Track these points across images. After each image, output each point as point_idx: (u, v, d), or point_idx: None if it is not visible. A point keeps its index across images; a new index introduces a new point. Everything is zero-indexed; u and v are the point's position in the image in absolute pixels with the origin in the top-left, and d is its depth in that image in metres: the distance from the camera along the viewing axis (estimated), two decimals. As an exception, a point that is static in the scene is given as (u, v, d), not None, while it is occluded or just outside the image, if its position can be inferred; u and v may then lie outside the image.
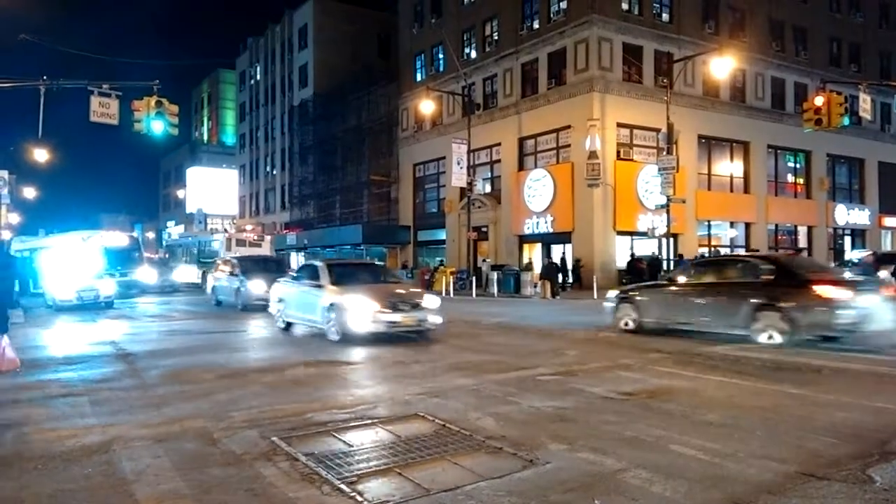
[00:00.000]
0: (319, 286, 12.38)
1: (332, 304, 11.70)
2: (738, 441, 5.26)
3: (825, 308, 10.13)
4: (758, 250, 29.81)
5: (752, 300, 10.85)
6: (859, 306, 10.19)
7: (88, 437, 5.57)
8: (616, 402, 6.83)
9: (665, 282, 13.66)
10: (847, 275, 12.04)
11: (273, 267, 21.15)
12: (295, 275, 14.48)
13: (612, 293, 14.02)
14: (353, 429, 5.73)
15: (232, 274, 20.88)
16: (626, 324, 13.00)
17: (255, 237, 38.05)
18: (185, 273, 36.03)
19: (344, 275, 12.88)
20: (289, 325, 13.91)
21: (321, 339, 11.98)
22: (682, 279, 12.82)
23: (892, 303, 10.79)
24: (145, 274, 29.65)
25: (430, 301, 12.13)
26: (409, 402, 6.81)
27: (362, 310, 11.19)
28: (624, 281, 23.88)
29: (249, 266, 20.70)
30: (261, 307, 17.73)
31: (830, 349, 10.16)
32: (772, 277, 11.06)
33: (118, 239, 30.17)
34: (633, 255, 27.40)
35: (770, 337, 10.55)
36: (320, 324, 12.18)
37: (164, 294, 30.65)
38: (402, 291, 12.50)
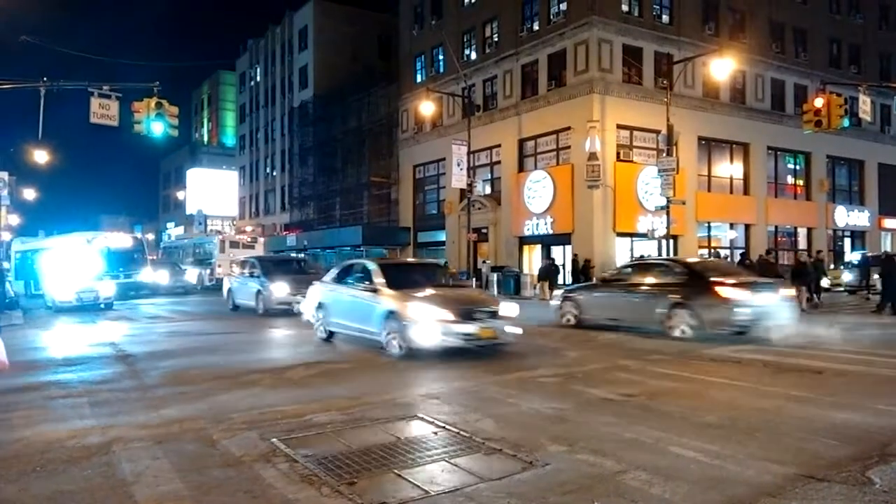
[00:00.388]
0: (374, 290, 10.59)
1: (391, 312, 9.96)
2: (738, 443, 5.27)
3: (725, 306, 11.55)
4: (746, 254, 29.80)
5: (667, 299, 12.29)
6: (755, 305, 11.66)
7: (88, 438, 5.57)
8: (615, 403, 6.83)
9: (600, 282, 15.19)
10: (749, 278, 13.28)
11: (295, 268, 20.18)
12: (337, 276, 12.42)
13: (558, 292, 15.88)
14: (353, 430, 5.74)
15: (251, 275, 19.33)
16: (568, 319, 14.47)
17: (249, 239, 38.49)
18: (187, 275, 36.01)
19: (402, 277, 11.06)
20: (331, 335, 12.06)
21: (377, 352, 10.29)
22: (615, 280, 14.34)
23: (789, 302, 12.69)
24: (148, 275, 29.17)
25: (508, 308, 10.28)
26: (408, 404, 6.81)
27: (432, 320, 9.46)
28: None
29: (270, 267, 19.35)
30: (283, 311, 17.09)
31: (736, 340, 11.55)
32: (684, 279, 12.55)
33: (122, 240, 29.90)
34: (641, 257, 27.27)
35: (682, 332, 11.87)
36: (376, 335, 10.36)
37: (175, 295, 30.13)
38: (475, 297, 11.06)
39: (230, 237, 38.84)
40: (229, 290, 20.86)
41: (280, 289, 17.64)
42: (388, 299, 10.22)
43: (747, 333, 11.78)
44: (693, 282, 12.30)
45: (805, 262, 20.06)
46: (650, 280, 13.28)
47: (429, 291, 10.43)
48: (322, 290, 12.53)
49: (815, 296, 20.25)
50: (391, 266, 11.84)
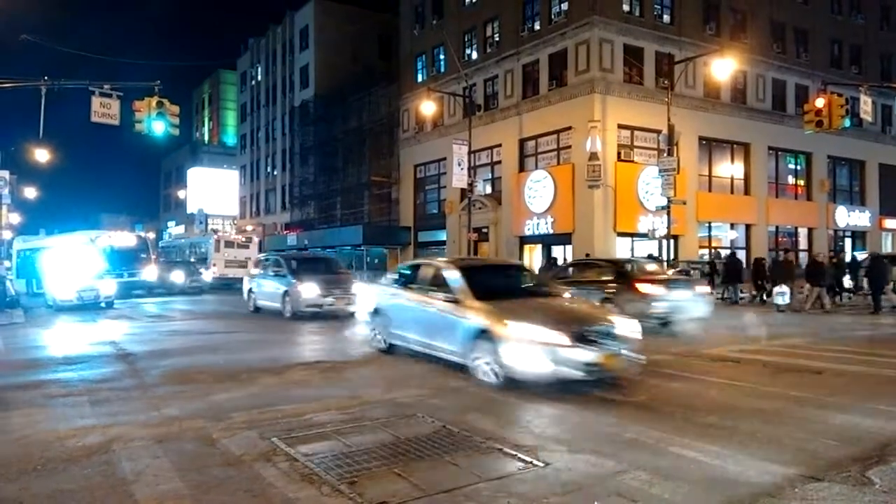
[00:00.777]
0: (454, 301, 8.57)
1: (483, 331, 7.83)
2: (738, 443, 5.27)
3: (643, 300, 13.12)
4: (732, 253, 29.79)
5: (601, 293, 13.71)
6: (671, 300, 13.30)
7: (88, 437, 5.57)
8: (616, 403, 6.83)
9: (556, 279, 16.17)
10: (667, 277, 15.02)
11: (322, 266, 18.64)
12: (403, 277, 10.66)
13: None
14: (353, 429, 5.74)
15: (276, 275, 17.83)
16: None
17: (244, 239, 38.78)
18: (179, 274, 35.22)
19: (489, 285, 8.89)
20: (390, 347, 10.27)
21: (458, 376, 8.19)
22: (565, 277, 15.75)
23: (703, 298, 14.28)
24: (152, 273, 28.52)
25: (626, 326, 7.98)
26: (408, 404, 6.81)
27: (540, 344, 7.22)
28: None
29: (297, 265, 17.82)
30: (312, 314, 16.14)
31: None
32: (613, 277, 14.21)
33: (126, 239, 29.56)
34: (587, 255, 27.04)
35: None
36: (456, 355, 8.39)
37: (190, 294, 29.34)
38: (585, 312, 8.70)
39: (225, 237, 39.15)
40: (250, 291, 19.39)
41: (309, 289, 16.23)
42: (476, 314, 8.17)
43: (669, 325, 13.23)
44: (620, 279, 13.98)
45: (822, 263, 19.95)
46: (589, 277, 14.86)
47: (530, 306, 8.35)
48: (381, 294, 10.94)
49: (837, 296, 20.24)
50: (475, 270, 9.64)
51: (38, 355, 10.98)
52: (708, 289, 15.78)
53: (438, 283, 9.27)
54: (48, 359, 10.50)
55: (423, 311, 9.35)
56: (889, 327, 14.78)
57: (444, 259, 11.54)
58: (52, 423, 6.14)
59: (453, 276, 9.02)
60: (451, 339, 8.53)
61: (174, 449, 5.21)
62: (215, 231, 51.84)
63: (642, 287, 13.43)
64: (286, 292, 16.78)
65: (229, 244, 36.47)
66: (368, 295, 11.74)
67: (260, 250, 56.50)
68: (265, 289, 18.26)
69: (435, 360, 9.01)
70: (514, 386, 7.37)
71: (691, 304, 13.60)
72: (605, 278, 14.28)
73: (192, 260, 35.84)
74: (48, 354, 11.06)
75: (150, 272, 28.24)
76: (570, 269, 16.57)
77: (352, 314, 15.81)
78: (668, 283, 13.89)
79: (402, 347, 9.96)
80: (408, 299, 9.89)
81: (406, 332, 9.75)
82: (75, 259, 22.48)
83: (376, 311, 10.77)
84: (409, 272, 10.80)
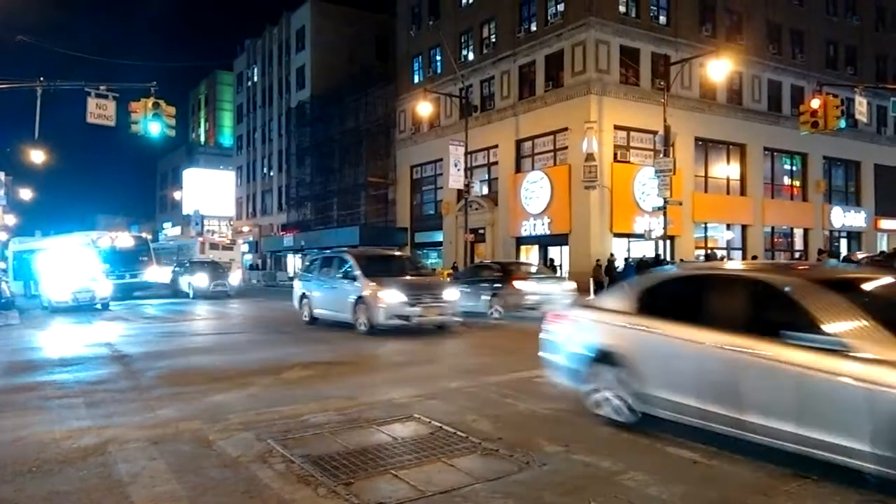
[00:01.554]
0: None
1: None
2: (733, 442, 5.27)
3: (517, 294, 16.51)
4: (716, 257, 29.84)
5: (489, 289, 16.96)
6: (539, 293, 16.48)
7: (84, 439, 5.56)
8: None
9: (458, 279, 19.41)
10: (539, 274, 19.03)
11: (398, 267, 14.94)
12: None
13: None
14: (349, 430, 5.73)
15: (344, 277, 13.99)
16: None
17: (228, 241, 39.00)
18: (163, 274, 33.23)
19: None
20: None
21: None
22: (464, 276, 19.28)
23: (569, 292, 17.12)
24: (154, 274, 28.63)
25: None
26: (405, 405, 6.80)
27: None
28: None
29: (370, 265, 14.01)
30: (396, 328, 12.73)
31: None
32: (500, 275, 17.38)
33: (126, 240, 29.69)
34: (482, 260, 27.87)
35: (497, 312, 16.54)
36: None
37: (213, 299, 26.46)
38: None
39: (210, 239, 39.81)
40: (302, 297, 15.76)
41: (392, 296, 12.70)
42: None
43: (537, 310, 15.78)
44: (503, 277, 17.18)
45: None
46: (484, 276, 18.05)
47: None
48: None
49: None
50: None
51: (33, 357, 10.95)
52: (573, 285, 18.56)
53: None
54: (44, 360, 10.47)
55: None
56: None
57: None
58: (47, 424, 6.12)
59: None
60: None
61: (170, 450, 5.20)
62: (199, 234, 51.90)
63: (517, 283, 16.90)
64: (358, 300, 13.17)
65: (214, 246, 37.16)
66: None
67: (256, 251, 56.39)
68: (325, 295, 14.88)
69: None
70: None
71: (558, 297, 16.28)
72: (494, 276, 17.52)
73: (221, 260, 33.43)
74: (44, 356, 11.03)
75: (151, 273, 28.30)
76: (473, 269, 20.58)
77: (441, 327, 13.47)
78: (539, 280, 17.68)
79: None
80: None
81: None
82: (70, 260, 22.38)
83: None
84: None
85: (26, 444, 5.41)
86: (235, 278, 32.70)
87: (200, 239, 38.99)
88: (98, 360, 10.41)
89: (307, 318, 15.31)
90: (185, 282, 29.30)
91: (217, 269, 29.89)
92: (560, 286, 17.84)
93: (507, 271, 17.74)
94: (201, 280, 28.40)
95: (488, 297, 16.71)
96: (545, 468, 4.68)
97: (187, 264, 30.95)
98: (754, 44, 33.20)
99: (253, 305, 24.28)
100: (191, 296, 27.81)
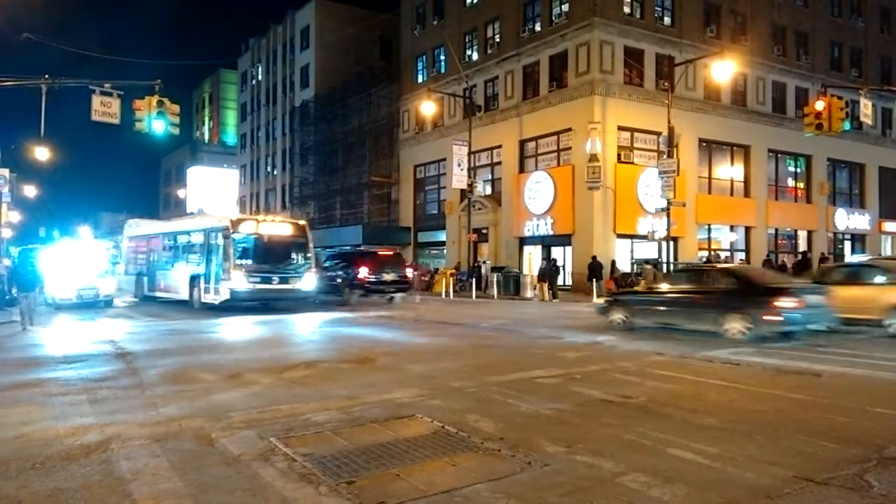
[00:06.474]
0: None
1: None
2: (737, 445, 5.27)
3: (363, 285, 22.22)
4: (719, 259, 29.73)
5: (345, 280, 22.20)
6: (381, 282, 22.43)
7: (87, 436, 5.57)
8: (615, 405, 6.83)
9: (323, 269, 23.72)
10: (381, 267, 23.07)
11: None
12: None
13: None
14: (352, 429, 5.74)
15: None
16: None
17: None
18: None
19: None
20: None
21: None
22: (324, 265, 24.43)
23: (405, 285, 23.44)
24: (310, 281, 19.75)
25: (309, 280, 18.94)
26: (407, 404, 6.81)
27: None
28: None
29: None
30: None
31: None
32: (348, 266, 23.00)
33: (280, 227, 20.32)
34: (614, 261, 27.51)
35: (352, 300, 22.23)
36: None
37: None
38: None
39: None
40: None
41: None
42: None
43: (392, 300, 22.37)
44: (350, 268, 22.38)
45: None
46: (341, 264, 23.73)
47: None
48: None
49: None
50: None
51: (37, 353, 10.98)
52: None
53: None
54: (47, 357, 10.50)
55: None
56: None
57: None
58: (50, 421, 6.14)
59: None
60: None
61: (172, 448, 5.21)
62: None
63: (360, 272, 22.34)
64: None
65: None
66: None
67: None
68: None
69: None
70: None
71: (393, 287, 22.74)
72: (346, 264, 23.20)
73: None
74: (47, 353, 11.05)
75: (309, 279, 19.77)
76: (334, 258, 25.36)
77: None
78: (430, 274, 21.38)
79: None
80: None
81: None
82: (77, 257, 22.19)
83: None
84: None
85: (30, 441, 5.43)
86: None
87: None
88: (101, 357, 10.44)
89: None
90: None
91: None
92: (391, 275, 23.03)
93: (355, 261, 23.42)
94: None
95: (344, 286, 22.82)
96: (547, 468, 4.67)
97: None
98: (759, 45, 33.14)
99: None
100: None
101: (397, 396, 7.19)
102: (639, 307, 13.87)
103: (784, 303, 11.51)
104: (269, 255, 19.14)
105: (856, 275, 13.87)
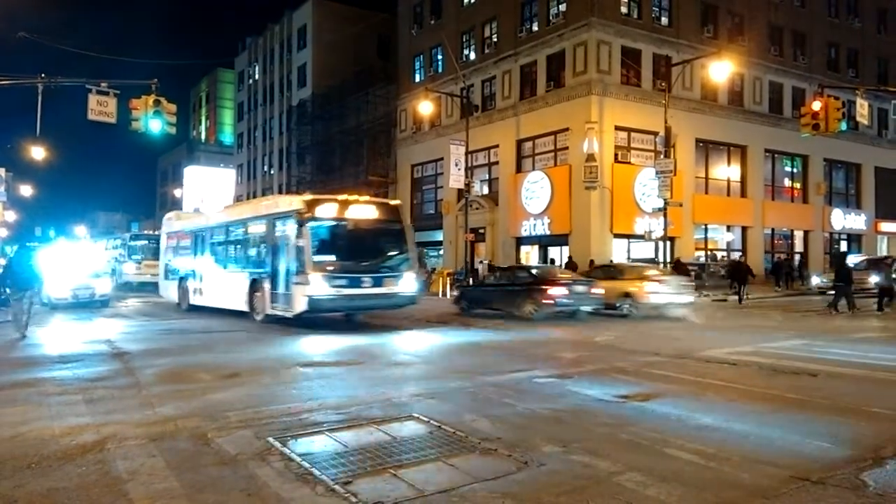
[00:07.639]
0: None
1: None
2: (734, 445, 5.28)
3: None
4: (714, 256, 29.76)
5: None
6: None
7: (83, 435, 5.56)
8: (612, 404, 6.84)
9: None
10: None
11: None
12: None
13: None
14: (348, 429, 5.73)
15: None
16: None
17: None
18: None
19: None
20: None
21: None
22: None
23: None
24: (410, 282, 14.82)
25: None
26: (404, 404, 6.80)
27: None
28: None
29: None
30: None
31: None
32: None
33: (367, 210, 14.98)
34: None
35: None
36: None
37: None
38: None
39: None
40: None
41: None
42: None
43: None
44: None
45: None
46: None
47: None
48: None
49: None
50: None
51: (33, 353, 10.94)
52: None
53: None
54: (43, 357, 10.46)
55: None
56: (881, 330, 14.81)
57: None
58: (46, 421, 6.11)
59: None
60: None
61: (169, 448, 5.20)
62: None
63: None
64: None
65: None
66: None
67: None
68: None
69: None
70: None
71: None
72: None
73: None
74: (43, 352, 11.01)
75: (409, 280, 14.88)
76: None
77: None
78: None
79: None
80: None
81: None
82: (76, 256, 22.11)
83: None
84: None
85: (25, 441, 5.41)
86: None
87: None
88: (98, 356, 10.41)
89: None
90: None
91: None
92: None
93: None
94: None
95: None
96: (543, 468, 4.67)
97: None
98: (756, 45, 33.20)
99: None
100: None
101: (393, 396, 7.18)
102: (474, 296, 19.08)
103: (556, 291, 16.13)
104: (357, 249, 14.43)
105: (608, 272, 18.85)
